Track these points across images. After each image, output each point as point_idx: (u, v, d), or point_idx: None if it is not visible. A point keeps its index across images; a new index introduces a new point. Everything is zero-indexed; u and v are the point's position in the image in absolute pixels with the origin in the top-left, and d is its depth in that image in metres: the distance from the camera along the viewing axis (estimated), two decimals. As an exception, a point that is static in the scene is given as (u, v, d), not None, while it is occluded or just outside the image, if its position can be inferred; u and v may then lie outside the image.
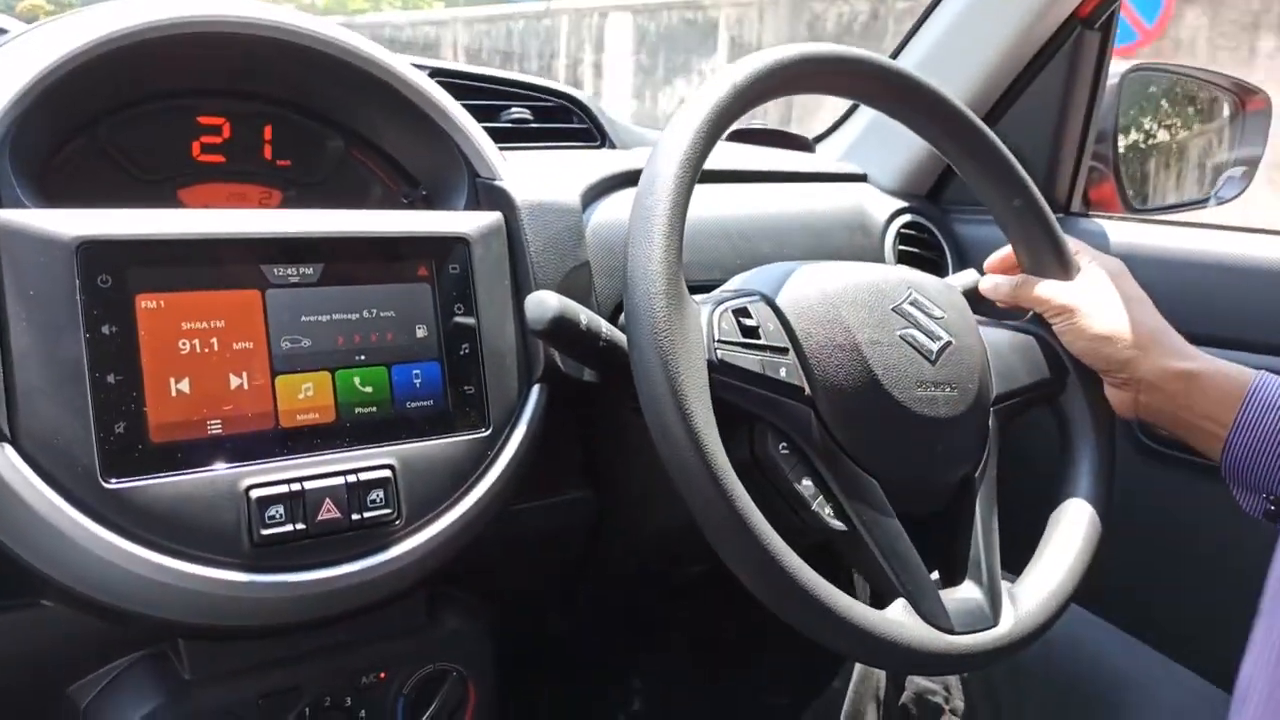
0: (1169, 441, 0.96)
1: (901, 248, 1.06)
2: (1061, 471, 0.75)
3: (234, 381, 0.58)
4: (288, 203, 0.72)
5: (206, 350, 0.58)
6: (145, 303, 0.56)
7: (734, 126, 0.64)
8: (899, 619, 0.60)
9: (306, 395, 0.61)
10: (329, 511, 0.59)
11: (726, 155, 0.84)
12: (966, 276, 0.85)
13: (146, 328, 0.56)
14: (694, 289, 0.61)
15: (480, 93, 0.95)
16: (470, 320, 0.67)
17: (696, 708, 1.25)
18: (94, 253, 0.55)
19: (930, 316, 0.68)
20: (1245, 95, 1.26)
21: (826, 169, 1.14)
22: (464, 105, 0.74)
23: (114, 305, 0.55)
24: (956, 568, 0.67)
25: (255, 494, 0.57)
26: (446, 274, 0.67)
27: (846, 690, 0.88)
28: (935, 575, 0.65)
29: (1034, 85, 1.09)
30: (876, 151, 1.16)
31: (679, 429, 0.55)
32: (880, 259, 1.03)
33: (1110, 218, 1.11)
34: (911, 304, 0.68)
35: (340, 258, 0.63)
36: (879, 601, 0.61)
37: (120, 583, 0.55)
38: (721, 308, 0.62)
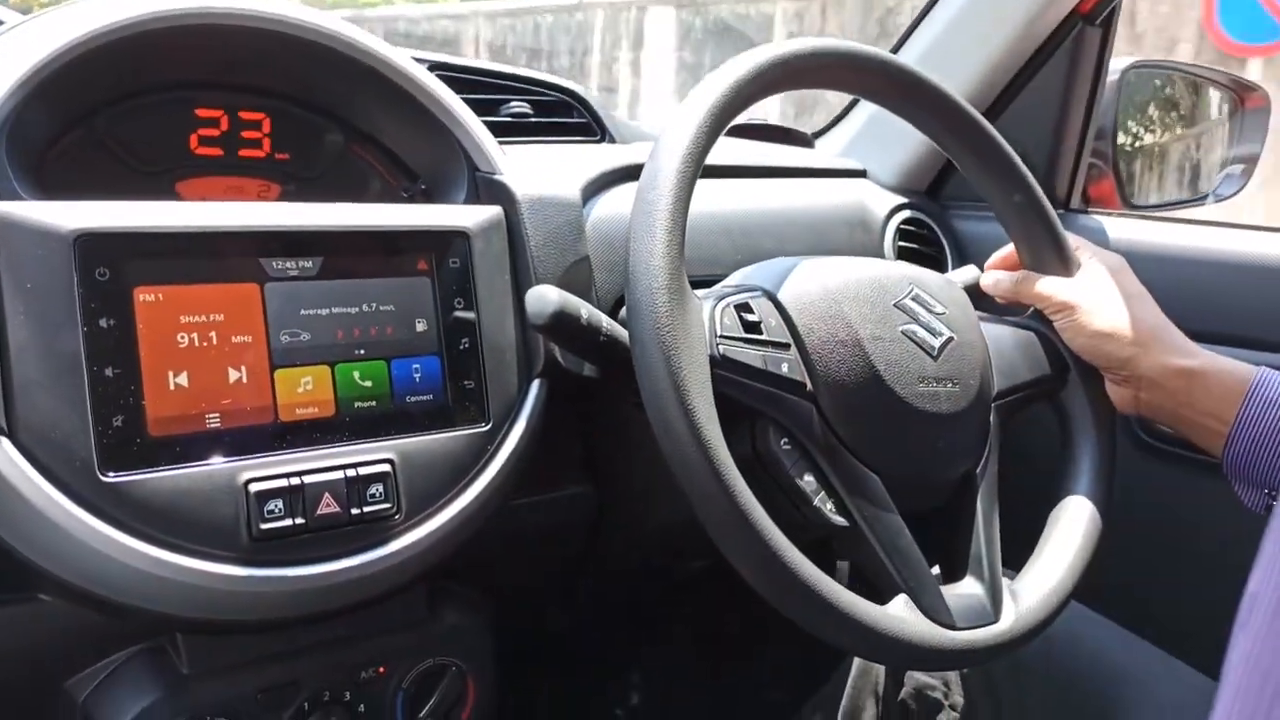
0: (1168, 438, 0.96)
1: (901, 243, 1.06)
2: (1062, 468, 0.75)
3: (233, 375, 0.58)
4: (286, 196, 0.72)
5: (205, 343, 0.57)
6: (143, 295, 0.56)
7: (734, 121, 0.64)
8: (900, 614, 0.60)
9: (306, 389, 0.60)
10: (328, 506, 0.59)
11: (726, 151, 0.84)
12: (967, 272, 0.85)
13: (145, 321, 0.55)
14: (694, 284, 0.60)
15: (479, 87, 0.95)
16: (470, 315, 0.67)
17: (696, 703, 1.25)
18: (92, 245, 0.54)
19: (932, 312, 0.68)
20: (1244, 92, 1.26)
21: (826, 165, 1.14)
22: (463, 99, 0.73)
23: (112, 298, 0.55)
24: (957, 563, 0.67)
25: (254, 488, 0.57)
26: (446, 268, 0.66)
27: (845, 686, 0.88)
28: (936, 571, 0.65)
29: (1035, 81, 1.09)
30: (876, 147, 1.16)
31: (681, 424, 0.54)
32: (880, 255, 1.03)
33: (1110, 214, 1.11)
34: (913, 299, 0.68)
35: (340, 251, 0.63)
36: (879, 597, 0.61)
37: (118, 577, 0.55)
38: (723, 303, 0.62)
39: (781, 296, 0.64)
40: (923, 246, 1.08)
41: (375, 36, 0.70)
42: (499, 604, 0.79)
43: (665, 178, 0.58)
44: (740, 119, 0.64)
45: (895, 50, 1.16)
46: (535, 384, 0.69)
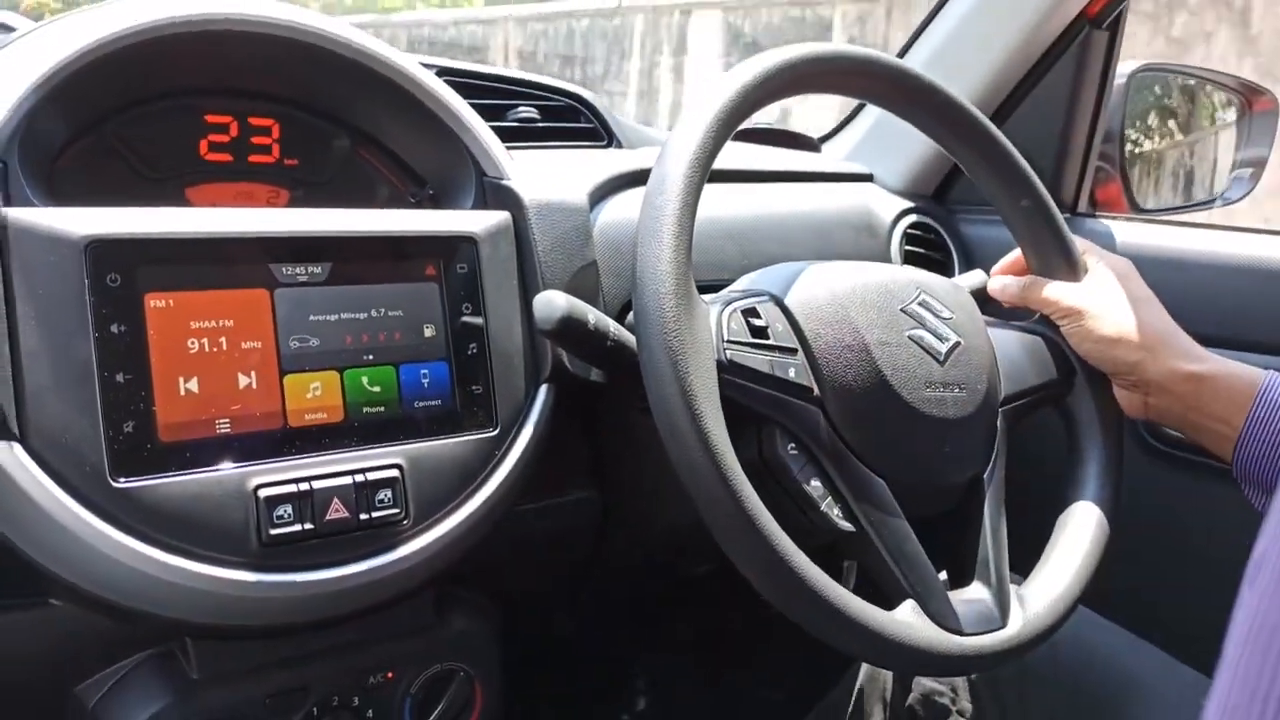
0: (1175, 442, 0.95)
1: (908, 248, 1.06)
2: (1069, 473, 0.75)
3: (242, 381, 0.58)
4: (295, 202, 0.72)
5: (215, 349, 0.58)
6: (154, 302, 0.56)
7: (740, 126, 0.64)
8: (907, 620, 0.60)
9: (315, 395, 0.61)
10: (337, 511, 0.59)
11: (732, 155, 0.83)
12: (974, 277, 0.85)
13: (155, 327, 0.56)
14: (700, 289, 0.60)
15: (486, 92, 0.95)
16: (478, 320, 0.67)
17: (700, 707, 1.25)
18: (103, 252, 0.54)
19: (939, 317, 0.68)
20: (1252, 96, 1.25)
21: (832, 169, 1.14)
22: (470, 104, 0.74)
23: (123, 304, 0.55)
24: (965, 569, 0.67)
25: (263, 493, 0.57)
26: (454, 273, 0.67)
27: (852, 691, 0.88)
28: (943, 576, 0.65)
29: (1041, 85, 1.09)
30: (882, 151, 1.16)
31: (688, 429, 0.54)
32: (886, 259, 1.03)
33: (1116, 218, 1.11)
34: (920, 304, 0.68)
35: (349, 257, 0.63)
36: (887, 602, 0.61)
37: (128, 582, 0.55)
38: (730, 308, 0.62)
39: (789, 301, 0.64)
40: (929, 251, 1.08)
41: (383, 42, 0.70)
42: (506, 609, 0.79)
43: (673, 183, 0.58)
44: (746, 123, 0.65)
45: (902, 55, 1.16)
46: (543, 389, 0.69)
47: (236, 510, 0.56)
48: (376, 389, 0.63)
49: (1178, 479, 0.96)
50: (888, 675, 0.86)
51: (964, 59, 1.09)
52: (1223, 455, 0.71)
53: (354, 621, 0.65)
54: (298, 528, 0.58)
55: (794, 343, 0.63)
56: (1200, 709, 0.29)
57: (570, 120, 1.01)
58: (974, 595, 0.65)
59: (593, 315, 0.61)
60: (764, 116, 0.73)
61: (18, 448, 0.52)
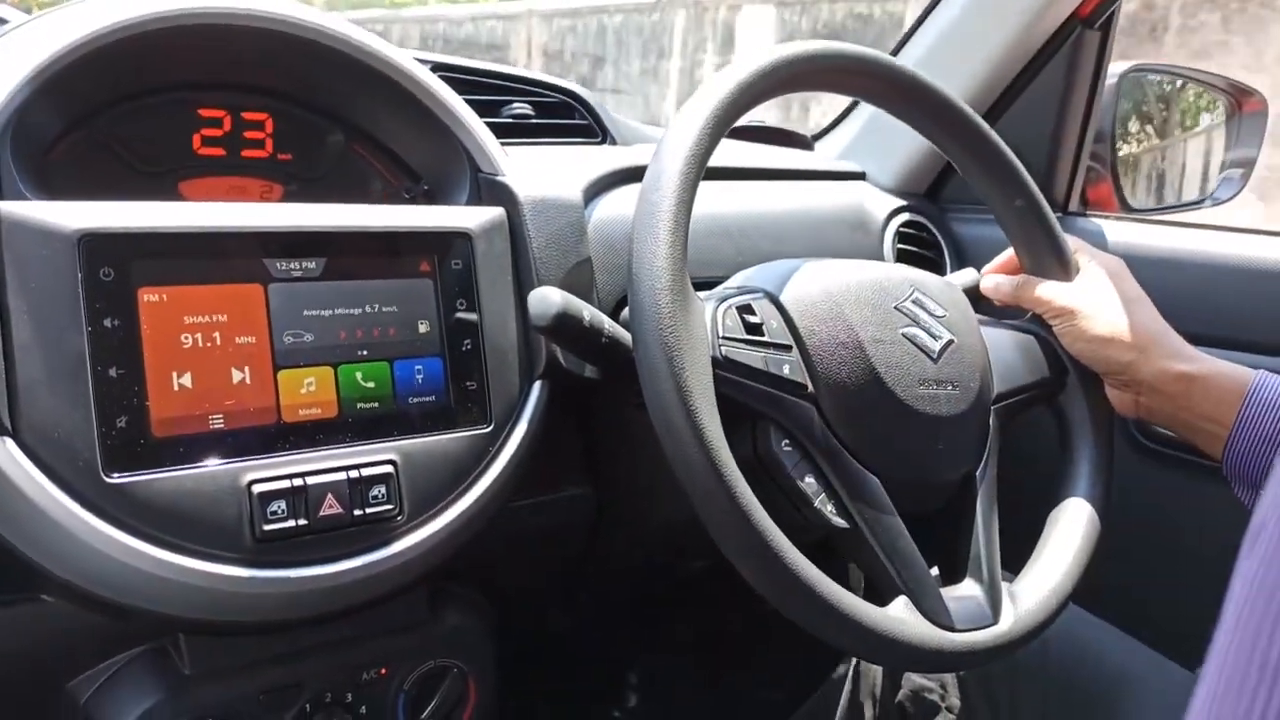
0: (1166, 440, 0.96)
1: (900, 246, 1.06)
2: (1061, 471, 0.75)
3: (236, 376, 0.58)
4: (288, 197, 0.72)
5: (209, 344, 0.57)
6: (147, 296, 0.56)
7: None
8: (900, 616, 0.60)
9: (309, 390, 0.61)
10: (331, 507, 0.59)
11: (725, 153, 0.83)
12: (966, 275, 0.85)
13: (149, 321, 0.56)
14: (694, 286, 0.61)
15: (481, 88, 0.95)
16: (472, 316, 0.67)
17: (700, 708, 1.25)
18: (96, 245, 0.54)
19: (932, 315, 0.68)
20: (1241, 97, 1.26)
21: (825, 167, 1.14)
22: (465, 100, 0.74)
23: (116, 298, 0.55)
24: (957, 566, 0.67)
25: (257, 489, 0.57)
26: (449, 269, 0.66)
27: (843, 688, 0.88)
28: (936, 572, 0.65)
29: (1033, 84, 1.09)
30: (875, 150, 1.16)
31: (683, 425, 0.55)
32: (879, 257, 1.04)
33: (1108, 217, 1.11)
34: (914, 302, 0.68)
35: (343, 252, 0.63)
36: (879, 599, 0.61)
37: (121, 578, 0.55)
38: (725, 304, 0.62)
39: (783, 298, 0.65)
40: (922, 249, 1.08)
41: (377, 36, 0.70)
42: (500, 605, 0.79)
43: (668, 179, 0.58)
44: (739, 120, 0.65)
45: (895, 53, 1.16)
46: (537, 385, 0.69)
47: (230, 506, 0.56)
48: (371, 385, 0.63)
49: (1168, 477, 0.97)
50: (878, 672, 0.87)
51: (957, 58, 1.09)
52: (1213, 454, 0.71)
53: (348, 617, 0.65)
54: (291, 523, 0.57)
55: (789, 340, 0.63)
56: (1187, 705, 0.30)
57: (564, 117, 1.01)
58: (966, 592, 0.65)
59: (588, 312, 0.61)
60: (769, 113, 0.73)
61: (10, 443, 0.51)
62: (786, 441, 0.62)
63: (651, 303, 0.56)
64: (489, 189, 0.71)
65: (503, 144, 0.74)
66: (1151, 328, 0.73)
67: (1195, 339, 0.74)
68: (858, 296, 0.66)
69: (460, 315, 0.66)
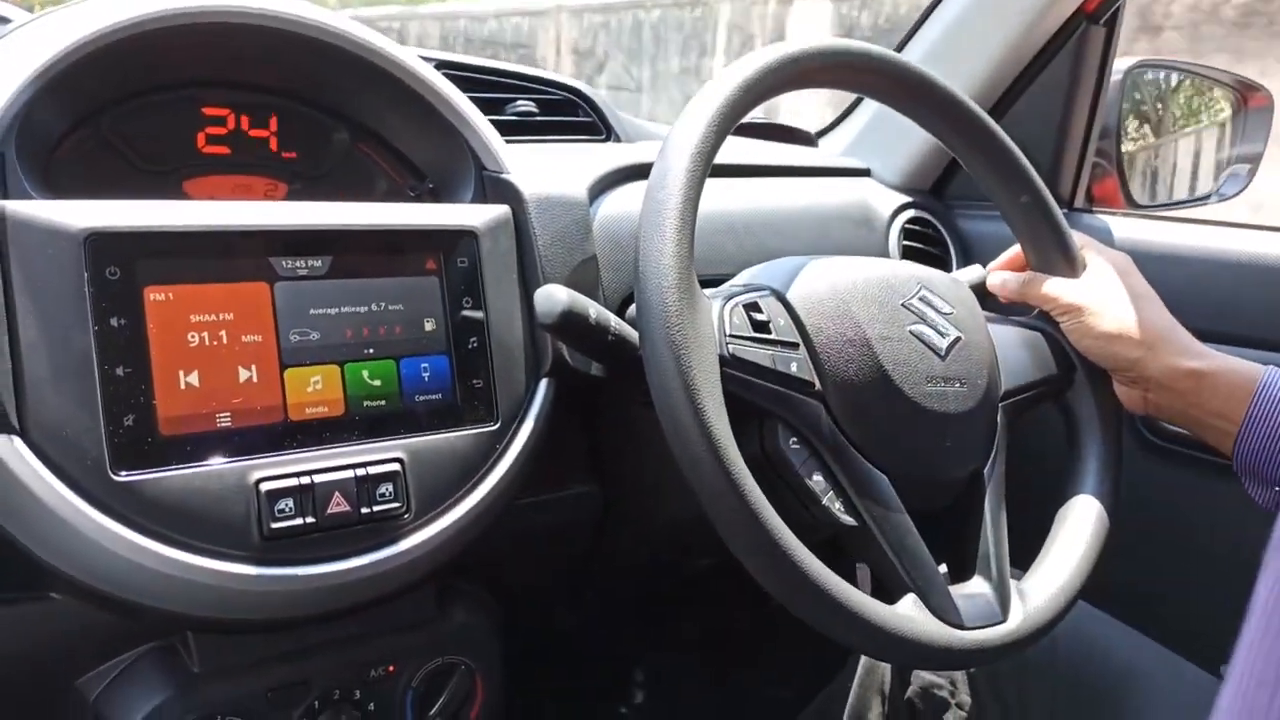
0: (1174, 437, 0.96)
1: (906, 243, 1.06)
2: (1069, 468, 0.75)
3: (243, 374, 0.58)
4: (293, 195, 0.72)
5: (215, 343, 0.57)
6: (154, 295, 0.56)
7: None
8: (909, 614, 0.60)
9: (315, 388, 0.60)
10: (338, 505, 0.59)
11: (730, 150, 0.83)
12: (972, 272, 0.85)
13: (155, 320, 0.56)
14: (700, 284, 0.60)
15: (486, 85, 0.95)
16: (478, 314, 0.67)
17: (707, 706, 1.25)
18: (102, 244, 0.54)
19: (940, 312, 0.68)
20: (1248, 92, 1.26)
21: (830, 164, 1.14)
22: (469, 98, 0.73)
23: (122, 297, 0.55)
24: (965, 563, 0.67)
25: (265, 487, 0.57)
26: (454, 267, 0.66)
27: (851, 685, 0.88)
28: (944, 570, 0.65)
29: (1039, 80, 1.09)
30: (880, 146, 1.16)
31: (691, 423, 0.54)
32: (885, 254, 1.03)
33: (1114, 214, 1.11)
34: (921, 299, 0.68)
35: (349, 250, 0.63)
36: (888, 596, 0.61)
37: (129, 576, 0.55)
38: (732, 302, 0.62)
39: (790, 296, 0.64)
40: (927, 246, 1.08)
41: (382, 35, 0.70)
42: (507, 603, 0.79)
43: (675, 176, 0.58)
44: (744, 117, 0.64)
45: (899, 49, 1.16)
46: (543, 383, 0.69)
47: (237, 504, 0.56)
48: (377, 383, 0.63)
49: (1177, 474, 0.97)
50: (887, 669, 0.86)
51: (962, 54, 1.09)
52: (1223, 450, 0.71)
53: (355, 615, 0.65)
54: (299, 521, 0.57)
55: (796, 337, 0.63)
56: (1199, 703, 0.30)
57: (568, 114, 1.01)
58: (975, 589, 0.65)
59: (594, 309, 0.61)
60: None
61: (18, 441, 0.51)
62: (794, 439, 0.62)
63: (659, 301, 0.56)
64: (494, 187, 0.71)
65: (507, 142, 0.74)
66: (1159, 324, 0.72)
67: (1202, 335, 0.74)
68: (865, 294, 0.66)
69: (466, 313, 0.66)
